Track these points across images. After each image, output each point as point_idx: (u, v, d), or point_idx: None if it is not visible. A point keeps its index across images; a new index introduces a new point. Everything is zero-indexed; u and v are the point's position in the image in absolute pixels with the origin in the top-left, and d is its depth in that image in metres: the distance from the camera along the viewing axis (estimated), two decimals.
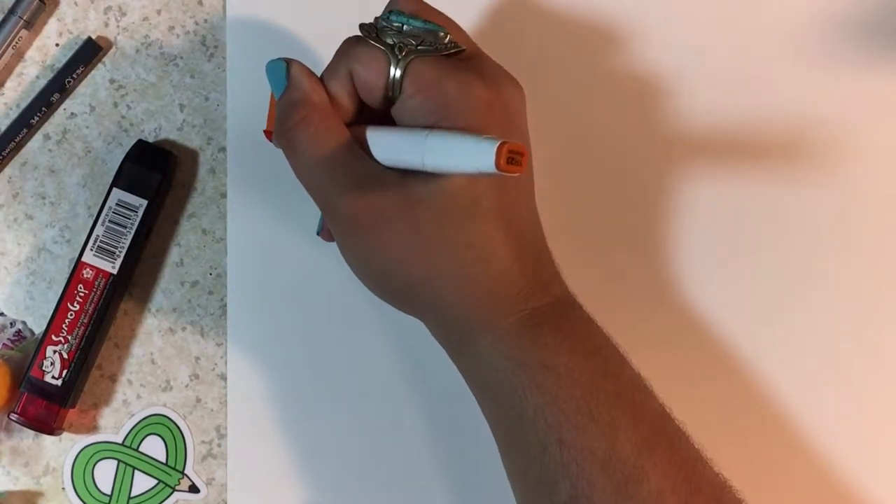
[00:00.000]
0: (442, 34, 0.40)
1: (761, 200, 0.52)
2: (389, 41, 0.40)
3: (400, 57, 0.40)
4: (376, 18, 0.41)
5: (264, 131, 0.44)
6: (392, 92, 0.40)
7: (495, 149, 0.34)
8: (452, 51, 0.41)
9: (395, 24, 0.40)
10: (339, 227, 0.41)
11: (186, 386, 0.52)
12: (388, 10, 0.41)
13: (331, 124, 0.40)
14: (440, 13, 0.42)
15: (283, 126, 0.41)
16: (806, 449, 0.50)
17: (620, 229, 0.52)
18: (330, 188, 0.40)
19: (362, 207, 0.39)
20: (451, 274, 0.40)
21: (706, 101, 0.52)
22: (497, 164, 0.34)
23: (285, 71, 0.41)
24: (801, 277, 0.51)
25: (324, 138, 0.40)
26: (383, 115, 0.42)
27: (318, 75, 0.42)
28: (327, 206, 0.41)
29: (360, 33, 0.41)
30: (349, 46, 0.41)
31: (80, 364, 0.50)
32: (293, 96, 0.41)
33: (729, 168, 0.52)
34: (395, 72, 0.40)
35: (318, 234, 0.48)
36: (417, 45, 0.40)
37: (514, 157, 0.34)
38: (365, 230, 0.40)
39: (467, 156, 0.36)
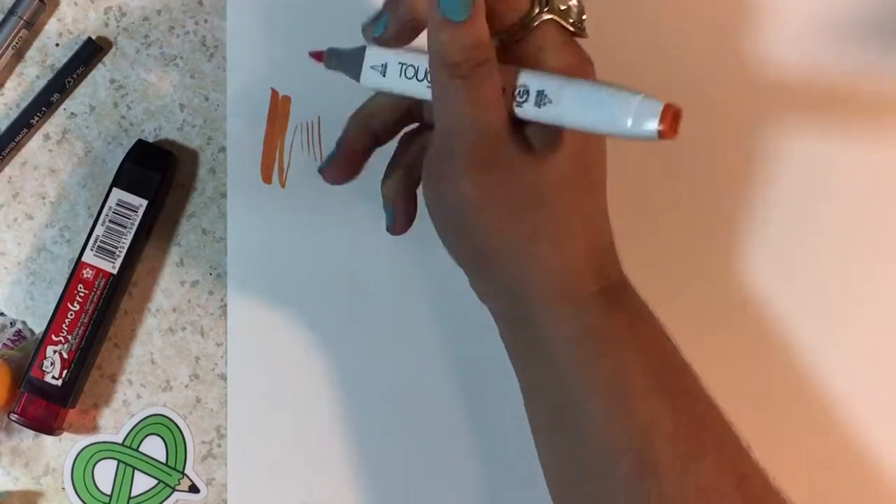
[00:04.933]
0: (580, 13, 0.41)
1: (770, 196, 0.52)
2: None
3: (544, 3, 0.39)
4: None
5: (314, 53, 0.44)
6: (522, 29, 0.40)
7: (661, 110, 0.33)
8: (580, 32, 0.41)
9: None
10: (468, 169, 0.40)
11: (186, 386, 0.52)
12: None
13: (496, 75, 0.39)
14: None
15: (466, 63, 0.39)
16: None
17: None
18: (477, 133, 0.39)
19: (497, 156, 0.39)
20: (556, 236, 0.40)
21: (713, 97, 0.52)
22: (662, 132, 0.33)
23: None
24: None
25: (489, 87, 0.39)
26: None
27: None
28: (465, 147, 0.39)
29: None
30: None
31: (80, 364, 0.50)
32: (480, 31, 0.39)
33: (736, 164, 0.52)
34: (534, 11, 0.39)
35: (387, 229, 0.46)
36: (559, 7, 0.40)
37: (675, 120, 0.34)
38: (491, 178, 0.39)
39: (618, 111, 0.35)
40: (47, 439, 0.51)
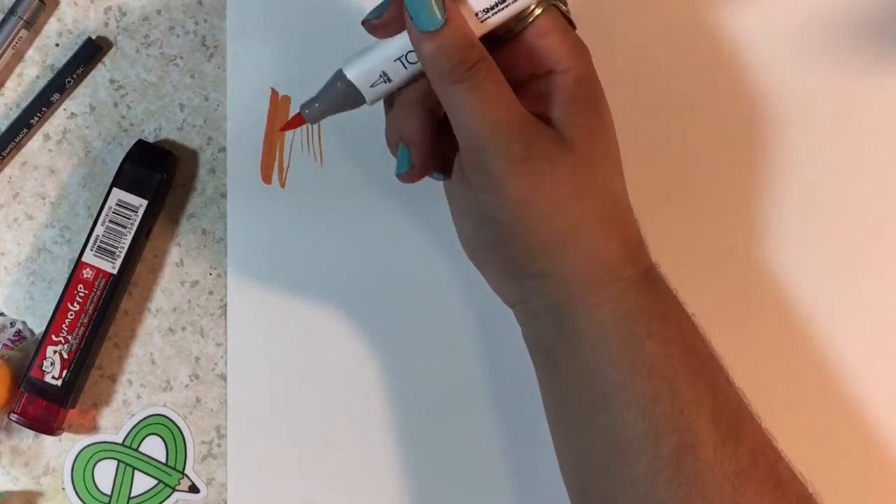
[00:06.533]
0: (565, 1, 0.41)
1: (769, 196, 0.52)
2: None
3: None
4: None
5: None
6: (514, 25, 0.40)
7: None
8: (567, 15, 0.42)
9: None
10: (506, 167, 0.39)
11: (186, 386, 0.52)
12: None
13: (497, 71, 0.39)
14: None
15: (462, 61, 0.38)
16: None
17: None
18: (504, 124, 0.39)
19: (529, 148, 0.39)
20: (597, 219, 0.40)
21: (711, 98, 0.52)
22: None
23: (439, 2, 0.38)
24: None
25: (495, 84, 0.39)
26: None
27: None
28: (501, 142, 0.39)
29: None
30: None
31: (80, 364, 0.50)
32: (465, 32, 0.38)
33: (734, 164, 0.52)
34: (534, 10, 0.40)
35: (398, 174, 0.43)
36: None
37: None
38: (533, 174, 0.39)
39: None
40: (47, 439, 0.51)
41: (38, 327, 0.52)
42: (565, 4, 0.41)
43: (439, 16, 0.38)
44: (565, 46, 0.40)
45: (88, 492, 0.51)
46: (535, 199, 0.39)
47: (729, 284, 0.51)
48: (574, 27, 0.42)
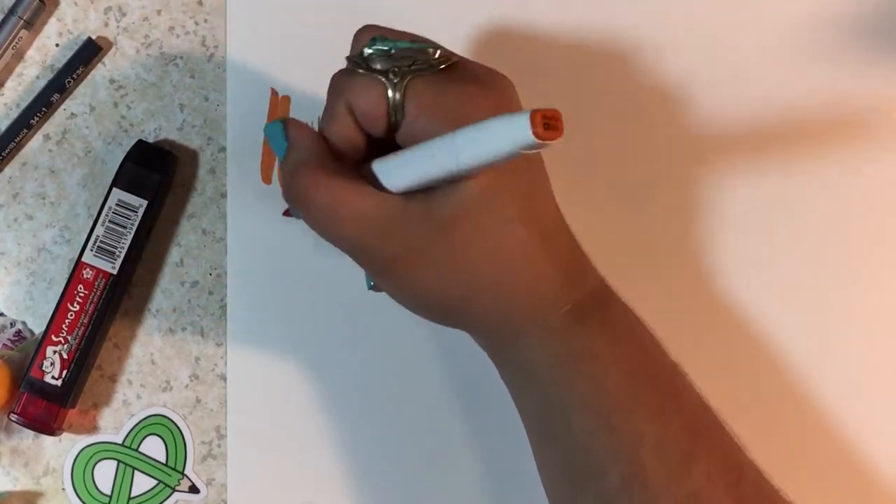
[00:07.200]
0: (431, 50, 0.40)
1: (762, 195, 0.52)
2: (380, 67, 0.40)
3: (396, 81, 0.39)
4: (362, 48, 0.41)
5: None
6: (394, 118, 0.40)
7: (528, 117, 0.33)
8: (444, 65, 0.40)
9: (383, 50, 0.40)
10: (378, 271, 0.42)
11: (186, 386, 0.52)
12: (371, 38, 0.41)
13: (340, 179, 0.39)
14: (415, 34, 0.42)
15: (295, 190, 0.40)
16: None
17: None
18: (359, 240, 0.40)
19: (395, 249, 0.39)
20: (490, 286, 0.40)
21: (708, 104, 0.52)
22: (535, 133, 0.33)
23: (283, 131, 0.41)
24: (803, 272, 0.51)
25: (338, 196, 0.39)
26: (389, 145, 0.41)
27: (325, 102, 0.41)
28: (362, 255, 0.41)
29: (347, 66, 0.41)
30: (341, 80, 0.41)
31: (80, 364, 0.50)
32: (298, 157, 0.40)
33: (732, 166, 0.52)
34: (395, 96, 0.39)
35: (369, 288, 0.46)
36: (410, 66, 0.40)
37: (549, 122, 0.33)
38: (403, 268, 0.40)
39: (503, 136, 0.34)
40: (47, 439, 0.51)
41: (38, 327, 0.52)
42: (433, 61, 0.40)
43: (283, 144, 0.41)
44: (437, 121, 0.39)
45: (88, 492, 0.51)
46: (417, 285, 0.40)
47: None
48: (455, 59, 0.41)
